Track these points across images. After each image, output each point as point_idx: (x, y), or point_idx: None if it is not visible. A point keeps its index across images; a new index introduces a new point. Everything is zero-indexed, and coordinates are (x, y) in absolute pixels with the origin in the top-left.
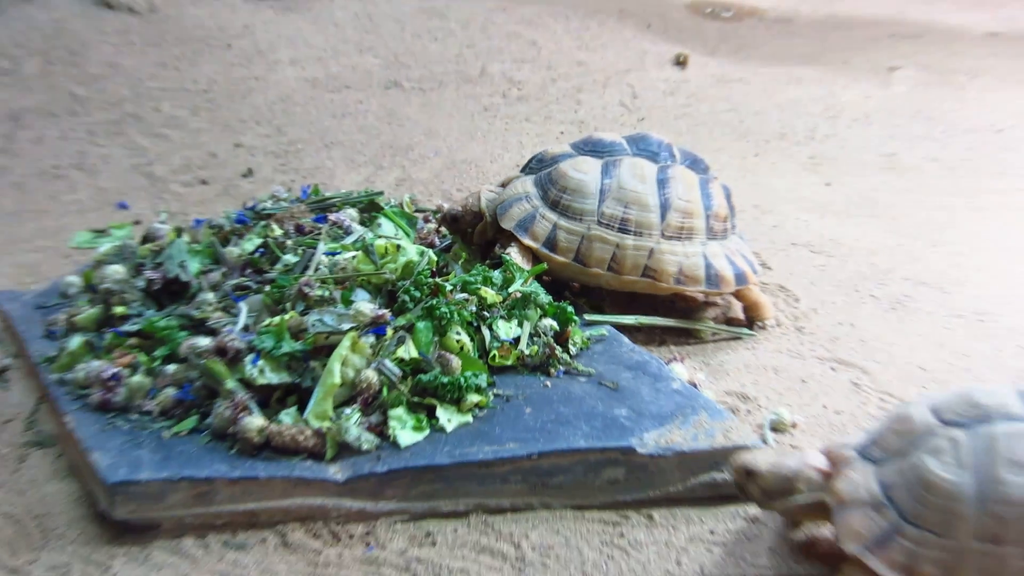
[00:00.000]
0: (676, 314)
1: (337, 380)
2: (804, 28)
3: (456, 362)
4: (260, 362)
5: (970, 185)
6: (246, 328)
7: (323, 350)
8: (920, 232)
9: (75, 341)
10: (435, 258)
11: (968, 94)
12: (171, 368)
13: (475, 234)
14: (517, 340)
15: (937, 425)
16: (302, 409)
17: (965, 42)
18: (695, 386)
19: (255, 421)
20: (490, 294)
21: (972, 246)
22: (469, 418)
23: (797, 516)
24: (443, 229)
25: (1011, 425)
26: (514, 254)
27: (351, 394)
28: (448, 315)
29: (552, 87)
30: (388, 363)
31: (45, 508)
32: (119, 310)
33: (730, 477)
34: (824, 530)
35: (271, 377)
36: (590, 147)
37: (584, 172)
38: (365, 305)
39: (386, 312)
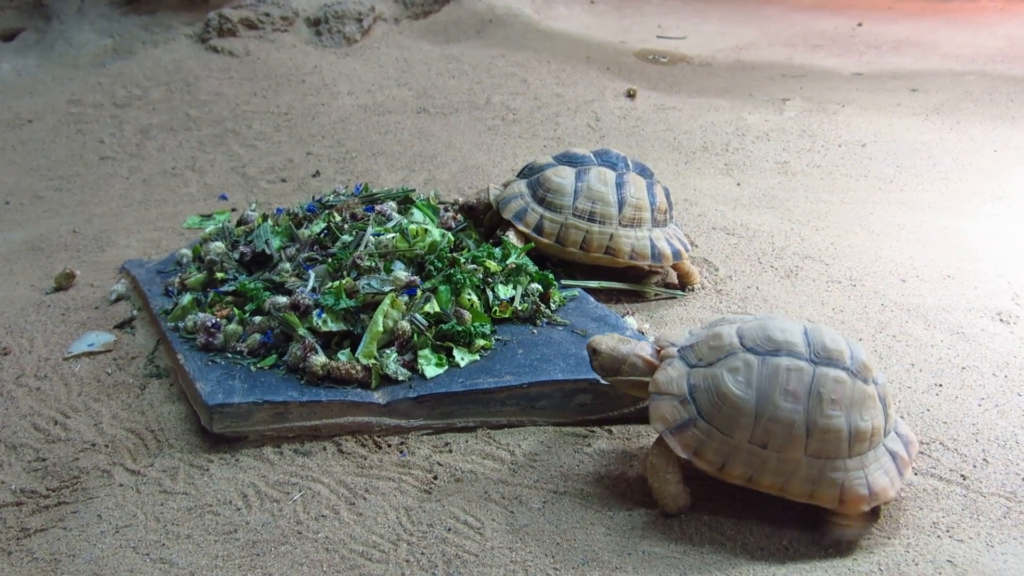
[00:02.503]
0: (628, 280)
1: (380, 328)
2: (720, 70)
3: (467, 315)
4: (324, 315)
5: (842, 185)
6: (314, 289)
7: (370, 306)
8: (806, 219)
9: (186, 298)
10: (453, 239)
11: (840, 118)
12: (257, 319)
13: (486, 219)
14: (512, 299)
15: (739, 347)
16: (354, 350)
17: (837, 80)
18: (642, 334)
19: (319, 359)
20: (493, 265)
21: (844, 230)
22: (477, 357)
23: (623, 390)
24: (459, 216)
25: (793, 361)
26: (511, 236)
27: (390, 339)
28: (462, 280)
29: (538, 113)
30: (418, 316)
31: (160, 424)
32: (219, 275)
33: None
34: None
35: (332, 326)
36: (567, 159)
37: (563, 177)
38: (401, 273)
39: (417, 278)
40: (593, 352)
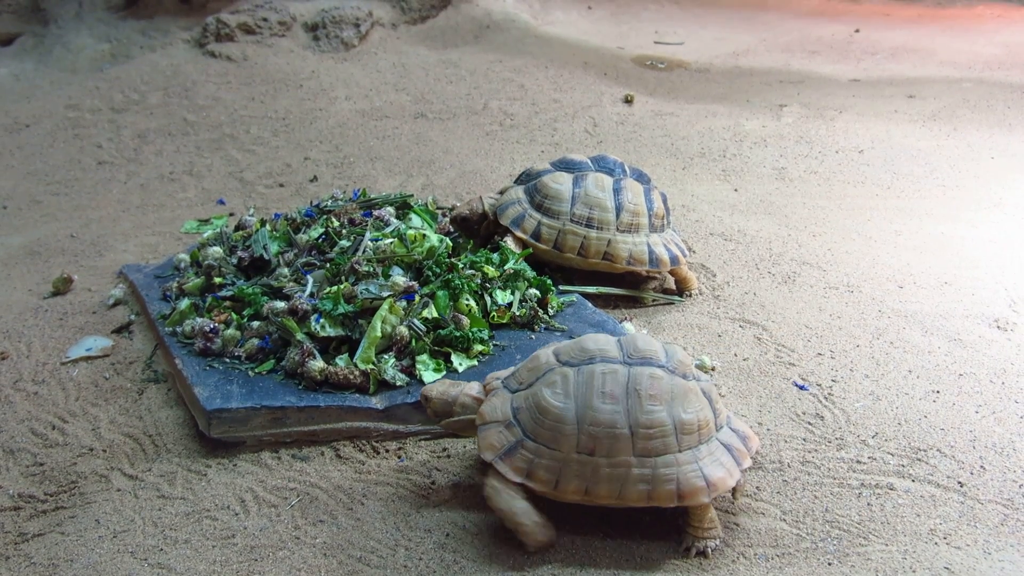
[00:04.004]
0: (626, 285)
1: (378, 333)
2: (717, 76)
3: (465, 320)
4: (322, 320)
5: (839, 191)
6: (312, 295)
7: (368, 311)
8: (804, 225)
9: (184, 303)
10: (451, 244)
11: (837, 124)
12: (255, 324)
13: (481, 228)
14: (510, 304)
15: (555, 363)
16: (352, 355)
17: (834, 86)
18: None
19: (317, 364)
20: (491, 270)
21: (842, 236)
22: (475, 362)
23: (459, 431)
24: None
25: (606, 366)
26: (509, 242)
27: (388, 344)
28: (460, 286)
29: (535, 118)
30: (416, 321)
31: (157, 429)
32: (217, 280)
33: None
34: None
35: (330, 331)
36: (564, 164)
37: (560, 183)
38: (399, 278)
39: (415, 283)
40: (425, 400)
